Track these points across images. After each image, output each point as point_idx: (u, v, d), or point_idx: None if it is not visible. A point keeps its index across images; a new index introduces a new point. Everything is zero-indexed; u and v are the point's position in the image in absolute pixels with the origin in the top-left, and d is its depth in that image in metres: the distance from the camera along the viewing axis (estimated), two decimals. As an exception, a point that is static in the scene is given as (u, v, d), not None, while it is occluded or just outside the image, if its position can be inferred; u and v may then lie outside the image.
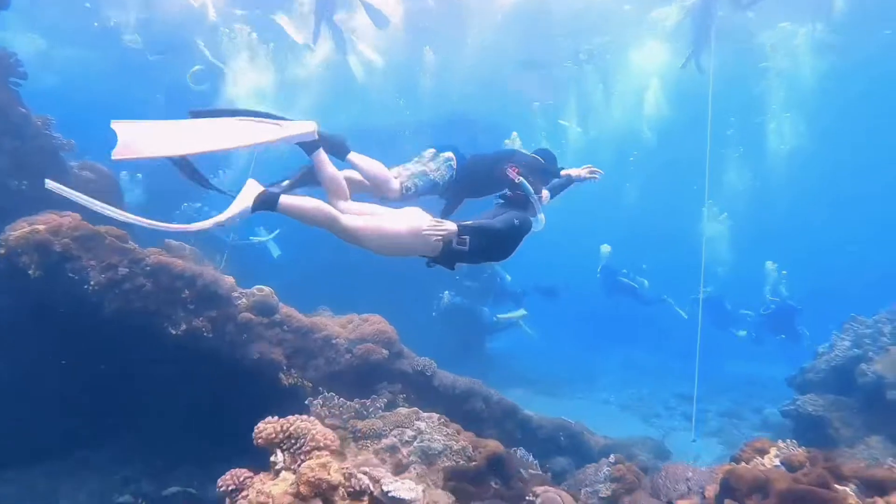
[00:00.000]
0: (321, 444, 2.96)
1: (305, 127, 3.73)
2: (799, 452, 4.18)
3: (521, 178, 4.24)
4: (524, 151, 5.28)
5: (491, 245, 3.94)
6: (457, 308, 11.79)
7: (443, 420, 5.76)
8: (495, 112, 17.19)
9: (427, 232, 3.62)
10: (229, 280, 6.57)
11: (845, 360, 7.40)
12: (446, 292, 11.94)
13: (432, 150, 4.76)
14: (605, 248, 19.04)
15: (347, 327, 7.15)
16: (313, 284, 16.06)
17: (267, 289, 6.57)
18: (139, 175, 13.57)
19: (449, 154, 4.70)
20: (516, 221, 3.93)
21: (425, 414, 6.01)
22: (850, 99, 18.98)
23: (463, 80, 17.03)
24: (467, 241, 3.77)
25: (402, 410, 5.99)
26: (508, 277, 12.72)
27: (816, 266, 31.86)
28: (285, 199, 3.56)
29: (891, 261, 36.46)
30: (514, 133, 13.74)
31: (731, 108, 17.21)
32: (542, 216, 4.23)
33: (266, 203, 3.53)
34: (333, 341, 6.71)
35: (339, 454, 3.12)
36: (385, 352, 6.79)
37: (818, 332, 10.27)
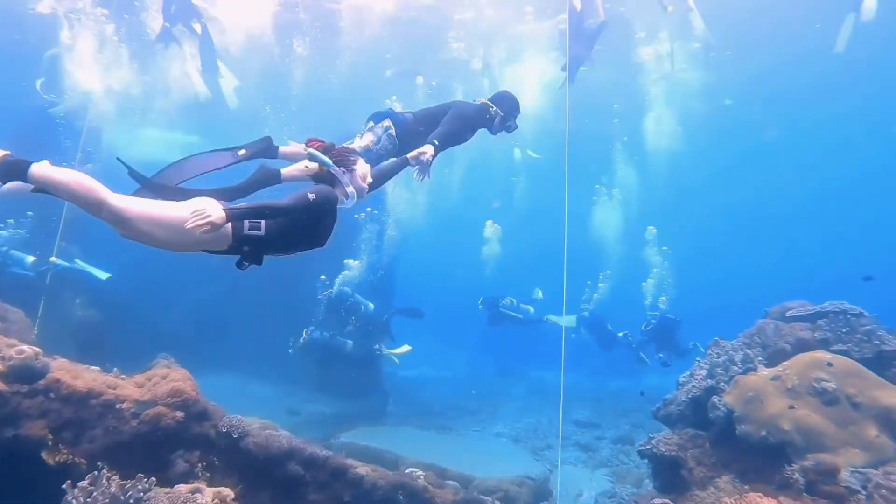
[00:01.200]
0: None
1: None
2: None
3: (314, 150, 3.64)
4: (483, 101, 5.01)
5: (291, 228, 3.35)
6: (316, 343, 10.97)
7: (220, 498, 4.91)
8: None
9: (189, 224, 2.98)
10: (-18, 341, 5.57)
11: (701, 391, 6.93)
12: (306, 329, 11.11)
13: (370, 123, 4.60)
14: (491, 229, 18.98)
15: (145, 386, 6.21)
16: (204, 321, 15.05)
17: (29, 350, 5.57)
18: None
19: (386, 123, 4.52)
20: (311, 196, 3.30)
21: (210, 490, 5.17)
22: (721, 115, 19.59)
23: (337, 91, 16.33)
24: (262, 225, 3.26)
25: (181, 488, 5.12)
26: (371, 305, 11.92)
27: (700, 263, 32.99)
28: (39, 169, 3.00)
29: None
30: (393, 97, 13.19)
31: (616, 99, 17.11)
32: (350, 189, 3.59)
33: (12, 170, 3.02)
34: (117, 407, 5.76)
35: None
36: (179, 415, 5.88)
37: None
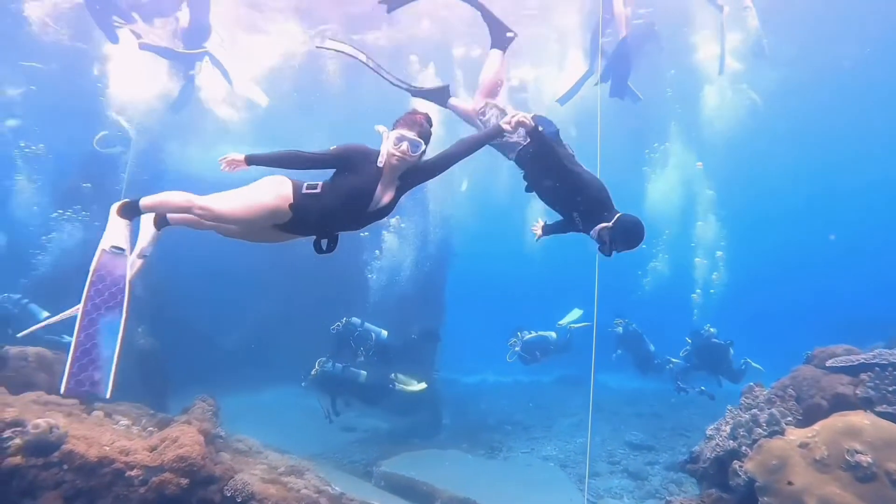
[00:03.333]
0: None
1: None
2: None
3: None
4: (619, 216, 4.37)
5: (339, 181, 3.77)
6: (328, 375, 11.02)
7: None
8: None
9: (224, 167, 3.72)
10: (6, 413, 5.98)
11: (724, 451, 6.39)
12: (318, 360, 11.17)
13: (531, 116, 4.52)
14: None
15: (157, 449, 6.49)
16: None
17: (44, 423, 5.94)
18: None
19: (539, 115, 4.48)
20: (332, 147, 3.78)
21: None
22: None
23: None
24: (318, 185, 3.72)
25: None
26: (384, 332, 11.80)
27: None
28: (143, 201, 3.85)
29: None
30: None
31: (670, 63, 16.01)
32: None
33: (132, 210, 3.90)
34: (126, 474, 6.06)
35: None
36: (184, 481, 6.11)
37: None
